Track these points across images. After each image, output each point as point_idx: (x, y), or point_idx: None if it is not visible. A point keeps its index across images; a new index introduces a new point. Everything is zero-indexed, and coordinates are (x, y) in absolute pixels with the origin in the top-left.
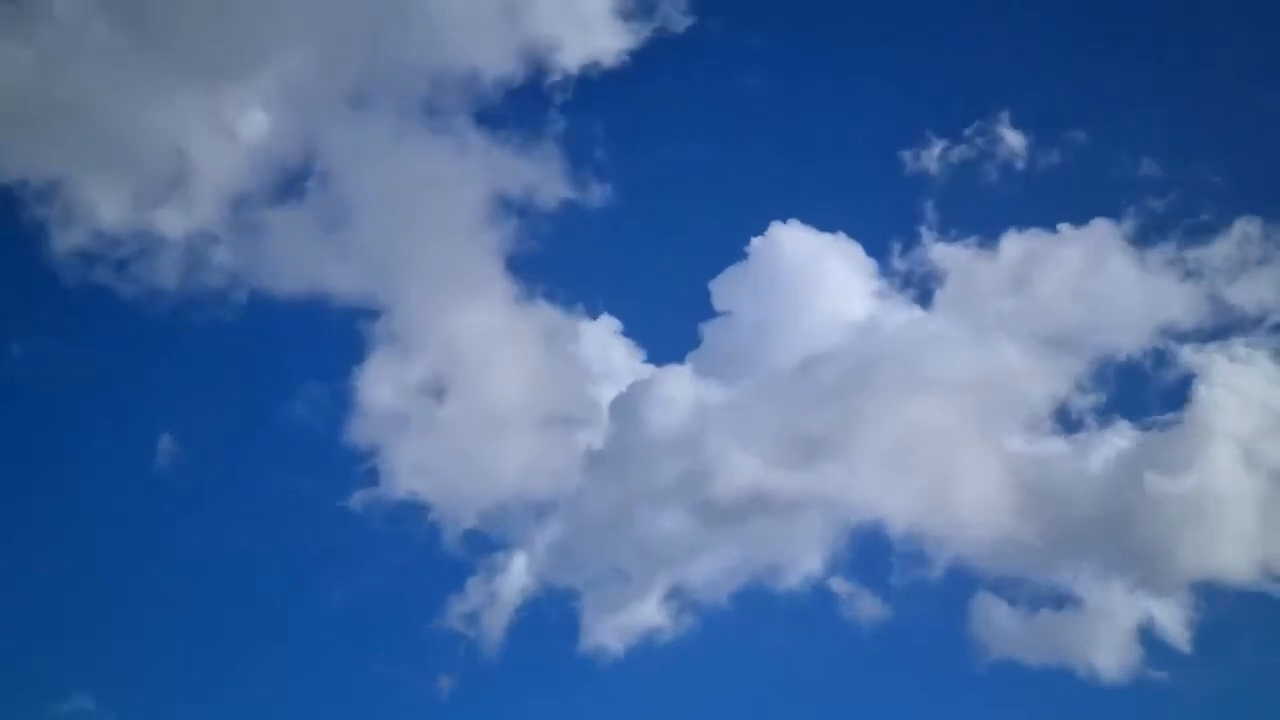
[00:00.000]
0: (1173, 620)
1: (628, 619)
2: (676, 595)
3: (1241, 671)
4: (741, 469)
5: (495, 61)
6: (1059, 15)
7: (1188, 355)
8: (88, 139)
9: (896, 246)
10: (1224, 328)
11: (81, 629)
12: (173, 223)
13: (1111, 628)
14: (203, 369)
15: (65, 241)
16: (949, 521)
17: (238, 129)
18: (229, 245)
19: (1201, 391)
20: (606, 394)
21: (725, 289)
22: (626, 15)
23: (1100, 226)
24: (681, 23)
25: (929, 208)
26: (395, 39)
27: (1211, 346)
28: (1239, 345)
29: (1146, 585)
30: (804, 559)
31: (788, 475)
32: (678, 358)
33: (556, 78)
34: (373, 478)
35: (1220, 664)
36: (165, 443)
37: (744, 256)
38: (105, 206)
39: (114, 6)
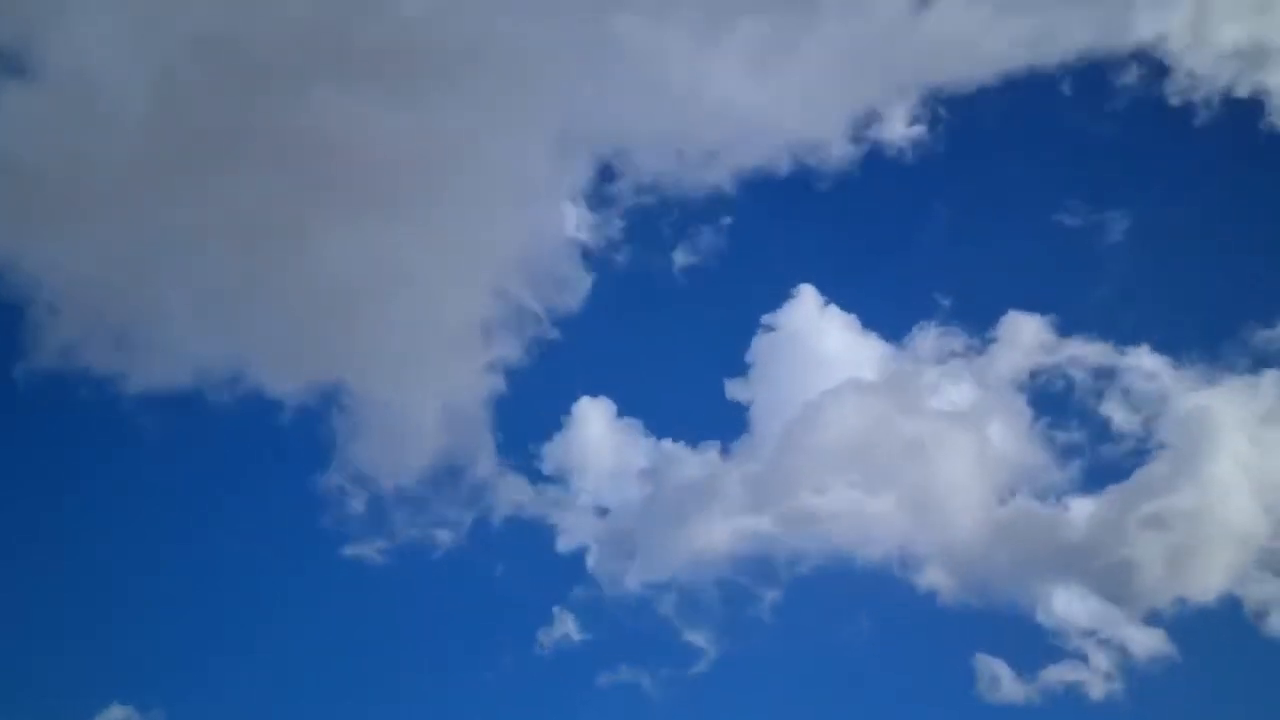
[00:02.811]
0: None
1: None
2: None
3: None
4: (745, 527)
5: None
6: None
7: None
8: None
9: (904, 327)
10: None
11: (120, 639)
12: None
13: (1099, 659)
14: None
15: None
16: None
17: None
18: None
19: (1185, 425)
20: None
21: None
22: None
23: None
24: None
25: (936, 290)
26: None
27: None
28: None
29: (1128, 613)
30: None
31: (792, 532)
32: (693, 437)
33: None
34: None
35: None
36: None
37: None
38: None
39: None
